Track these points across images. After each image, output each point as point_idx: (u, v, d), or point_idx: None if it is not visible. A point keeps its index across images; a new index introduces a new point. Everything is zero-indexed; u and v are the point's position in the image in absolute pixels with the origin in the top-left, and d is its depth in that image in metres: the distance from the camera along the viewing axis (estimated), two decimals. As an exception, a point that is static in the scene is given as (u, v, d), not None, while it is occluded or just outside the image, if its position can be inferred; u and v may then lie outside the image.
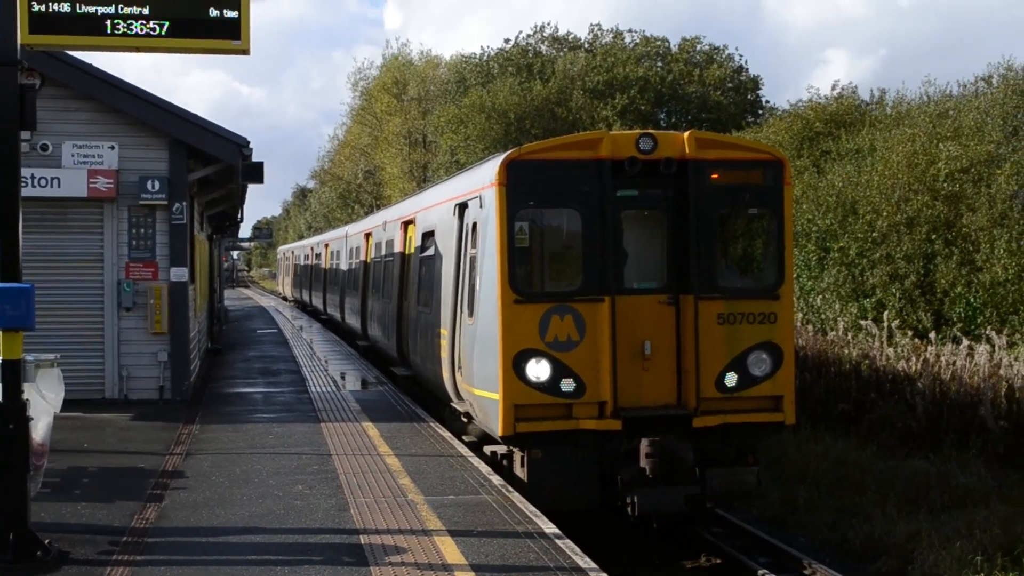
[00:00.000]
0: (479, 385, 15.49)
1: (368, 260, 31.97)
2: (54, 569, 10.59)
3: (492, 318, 14.84)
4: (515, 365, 14.60)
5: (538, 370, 14.62)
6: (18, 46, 11.05)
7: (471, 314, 15.95)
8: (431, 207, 20.84)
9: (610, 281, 14.89)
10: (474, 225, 16.15)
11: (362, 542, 11.50)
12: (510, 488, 14.04)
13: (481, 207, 15.64)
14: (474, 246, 16.11)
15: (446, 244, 18.36)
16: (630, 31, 71.87)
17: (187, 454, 16.44)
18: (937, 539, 15.44)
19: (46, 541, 10.98)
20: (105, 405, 20.90)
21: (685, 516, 15.91)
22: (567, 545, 11.31)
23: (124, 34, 11.41)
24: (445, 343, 17.64)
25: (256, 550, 11.25)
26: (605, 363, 14.73)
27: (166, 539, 11.74)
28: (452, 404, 18.41)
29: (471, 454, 16.37)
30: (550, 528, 12.00)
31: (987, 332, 24.21)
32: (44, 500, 12.79)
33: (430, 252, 20.18)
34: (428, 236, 20.78)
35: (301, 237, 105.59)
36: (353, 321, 35.31)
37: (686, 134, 15.34)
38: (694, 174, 15.19)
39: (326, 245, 49.31)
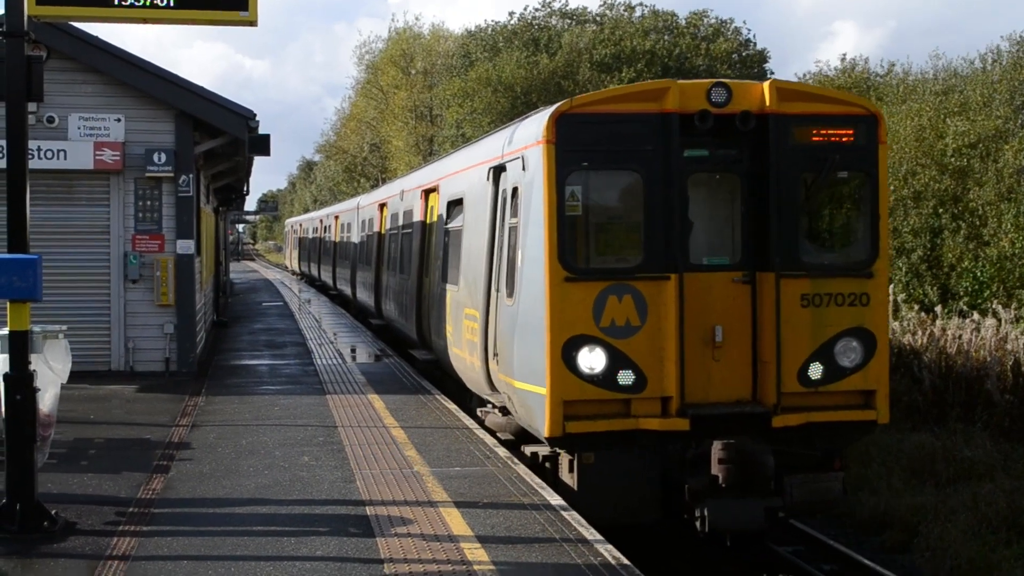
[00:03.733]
0: (520, 376, 13.58)
1: (383, 232, 29.92)
2: (61, 539, 10.64)
3: (537, 299, 13.02)
4: (565, 354, 12.72)
5: (592, 360, 12.77)
6: (25, 18, 11.04)
7: (510, 294, 14.07)
8: (458, 172, 18.79)
9: (677, 256, 12.95)
10: (514, 190, 14.26)
11: (368, 513, 11.54)
12: (515, 460, 14.05)
13: (524, 169, 13.69)
14: (514, 215, 14.25)
15: (477, 213, 16.46)
16: (640, 4, 71.68)
17: (193, 425, 16.49)
18: (942, 512, 15.49)
19: (53, 511, 11.03)
20: (111, 377, 20.96)
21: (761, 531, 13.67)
22: (573, 517, 11.34)
23: (131, 5, 11.40)
24: (476, 326, 15.66)
25: (262, 521, 11.29)
26: (670, 352, 12.86)
27: (172, 510, 11.78)
28: (484, 395, 16.37)
29: (476, 426, 16.38)
30: (555, 500, 12.03)
31: (993, 306, 24.25)
32: (51, 471, 12.83)
33: (457, 223, 18.32)
34: (455, 205, 18.91)
35: (307, 210, 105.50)
36: (365, 298, 33.38)
37: (766, 84, 13.42)
38: (776, 131, 13.23)
39: (336, 217, 47.14)
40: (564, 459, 13.45)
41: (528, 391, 13.34)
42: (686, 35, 68.08)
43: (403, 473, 13.36)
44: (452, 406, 18.15)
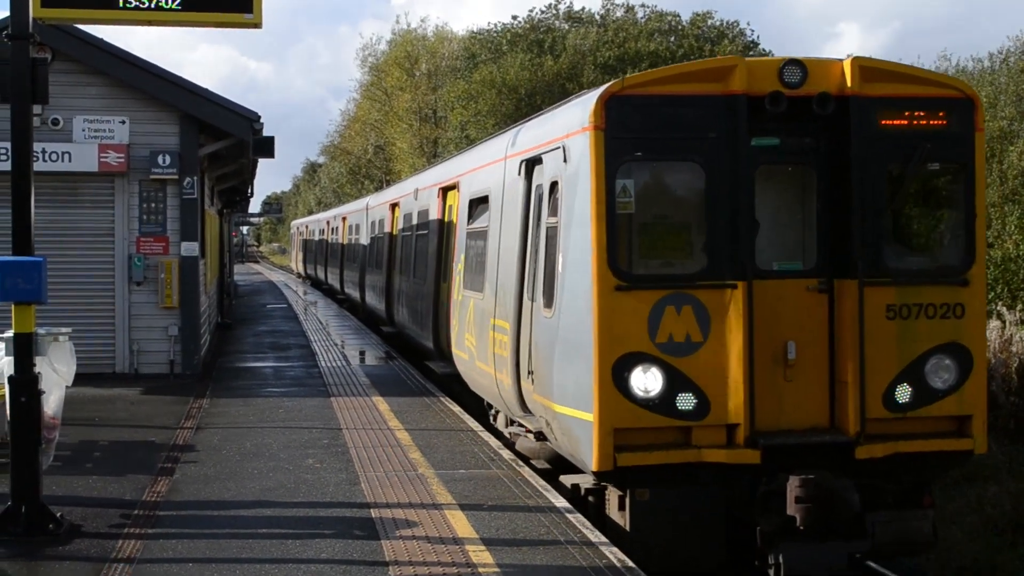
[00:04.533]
0: (562, 400, 11.90)
1: (395, 234, 28.23)
2: (66, 542, 10.64)
3: (583, 310, 11.35)
4: (615, 375, 11.07)
5: (647, 381, 11.13)
6: (30, 19, 11.04)
7: (548, 304, 12.44)
8: (482, 167, 17.06)
9: (744, 260, 11.26)
10: (552, 186, 12.68)
11: (373, 516, 11.53)
12: (520, 463, 14.02)
13: (565, 161, 11.99)
14: (553, 214, 12.61)
15: (506, 212, 14.90)
16: (642, 6, 71.69)
17: (197, 428, 16.48)
18: (947, 514, 15.45)
19: (58, 514, 11.03)
20: (116, 379, 20.96)
21: None
22: (578, 519, 11.33)
23: (136, 7, 11.40)
24: (506, 339, 14.09)
25: (267, 524, 11.29)
26: (737, 371, 11.17)
27: (177, 512, 11.78)
28: (514, 417, 14.96)
29: (481, 428, 16.37)
30: (560, 503, 12.01)
31: (998, 308, 24.18)
32: (56, 473, 12.83)
33: (481, 223, 16.63)
34: (478, 203, 17.18)
35: (311, 212, 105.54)
36: (375, 303, 31.64)
37: (847, 61, 11.64)
38: (858, 116, 11.53)
39: (344, 218, 45.33)
40: (613, 495, 11.78)
41: (571, 417, 11.69)
42: (690, 36, 68.05)
43: (408, 475, 13.34)
44: (457, 408, 18.13)
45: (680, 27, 69.61)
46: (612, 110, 11.26)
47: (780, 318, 11.51)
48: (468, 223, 17.69)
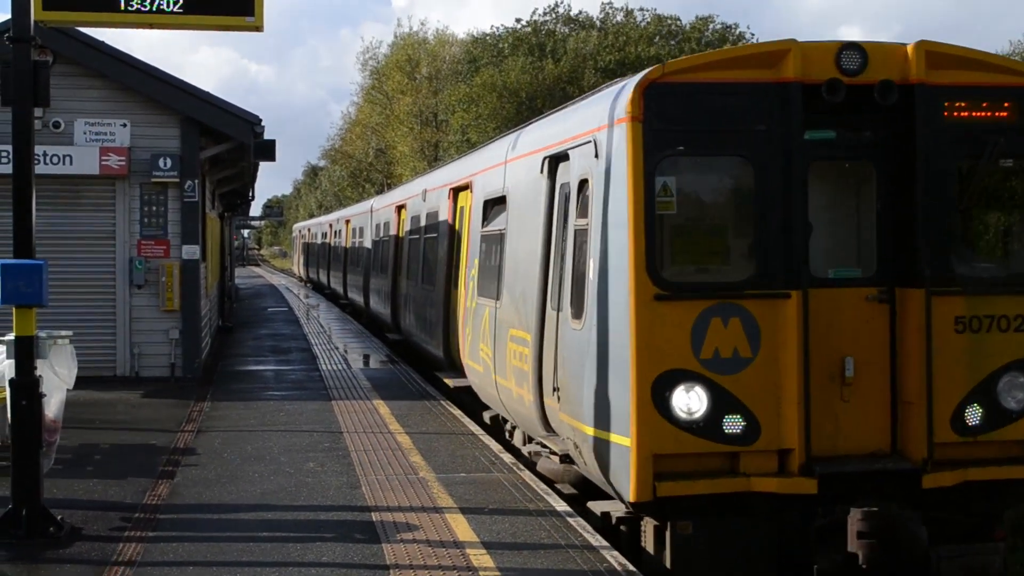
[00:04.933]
0: (593, 421, 10.85)
1: (401, 236, 27.05)
2: (67, 545, 10.63)
3: (617, 322, 10.36)
4: (655, 394, 10.04)
5: (690, 402, 10.11)
6: (32, 22, 11.04)
7: (577, 314, 11.35)
8: (499, 165, 15.90)
9: (798, 267, 10.24)
10: (581, 184, 11.57)
11: (374, 519, 11.52)
12: (521, 466, 14.01)
13: (596, 156, 10.94)
14: (582, 215, 11.52)
15: (526, 214, 13.79)
16: (642, 10, 71.71)
17: (198, 431, 16.48)
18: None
19: (59, 517, 11.02)
20: (116, 382, 20.95)
21: None
22: (578, 523, 11.31)
23: (137, 10, 11.41)
24: (527, 352, 12.99)
25: (268, 527, 11.28)
26: (791, 391, 10.15)
27: (178, 516, 11.77)
28: (535, 436, 13.72)
29: (481, 432, 16.35)
30: (561, 507, 12.00)
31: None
32: (57, 476, 12.82)
33: (497, 225, 15.62)
34: (494, 204, 16.17)
35: (312, 215, 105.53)
36: (380, 309, 30.67)
37: (911, 46, 10.60)
38: (925, 106, 10.47)
39: (347, 221, 44.31)
40: (649, 526, 10.75)
41: (605, 440, 10.63)
42: (691, 40, 68.06)
43: (408, 479, 13.33)
44: (457, 412, 18.12)
45: (681, 31, 69.62)
46: (651, 99, 10.20)
47: (836, 331, 10.48)
48: (483, 225, 16.61)
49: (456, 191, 19.64)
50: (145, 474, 13.62)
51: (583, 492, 12.65)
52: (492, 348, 15.11)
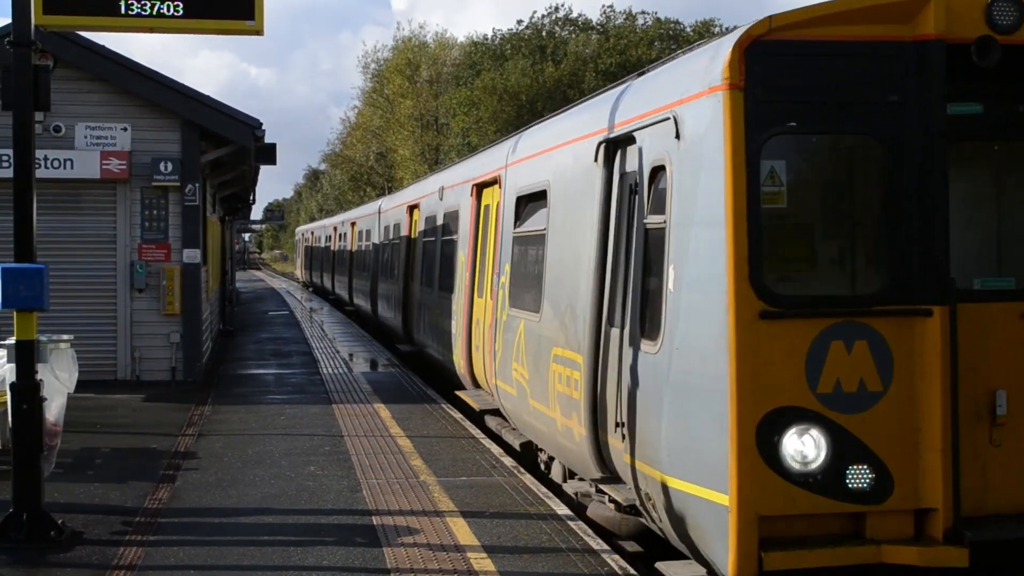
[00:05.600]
0: (672, 468, 8.87)
1: (413, 238, 25.30)
2: (67, 549, 10.62)
3: (710, 345, 8.35)
4: (762, 438, 8.05)
5: (805, 448, 8.12)
6: (32, 27, 11.05)
7: (650, 334, 9.39)
8: (535, 156, 14.01)
9: (942, 276, 8.25)
10: (654, 173, 9.61)
11: (375, 523, 11.51)
12: (521, 470, 13.99)
13: (677, 137, 8.98)
14: (656, 210, 9.47)
15: (575, 211, 11.78)
16: (643, 13, 71.83)
17: (199, 435, 16.48)
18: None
19: (59, 521, 11.01)
20: (117, 386, 20.95)
21: None
22: (579, 527, 11.30)
23: (138, 14, 11.42)
24: (577, 376, 11.13)
25: (269, 531, 11.27)
26: (932, 434, 8.19)
27: (179, 519, 11.76)
28: (587, 476, 11.63)
29: (483, 435, 16.34)
30: (562, 510, 11.99)
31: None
32: (57, 480, 12.82)
33: (535, 225, 13.67)
34: (530, 201, 14.24)
35: (313, 219, 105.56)
36: (390, 317, 28.98)
37: None
38: None
39: (353, 223, 42.72)
40: None
41: (691, 495, 8.62)
42: (693, 43, 68.19)
43: (409, 482, 13.32)
44: (458, 415, 18.11)
45: (682, 33, 69.71)
46: (756, 61, 8.21)
47: (984, 357, 8.42)
48: (516, 225, 14.68)
49: (480, 187, 17.68)
50: (146, 478, 13.61)
51: (650, 548, 10.75)
52: (530, 369, 13.26)
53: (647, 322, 9.58)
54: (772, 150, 8.31)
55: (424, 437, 16.24)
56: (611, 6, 72.81)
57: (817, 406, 8.16)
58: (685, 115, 8.90)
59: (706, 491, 8.37)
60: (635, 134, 10.07)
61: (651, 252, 9.61)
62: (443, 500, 12.45)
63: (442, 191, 21.40)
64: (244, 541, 10.88)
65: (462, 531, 11.15)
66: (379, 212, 33.79)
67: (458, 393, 18.36)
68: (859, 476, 8.21)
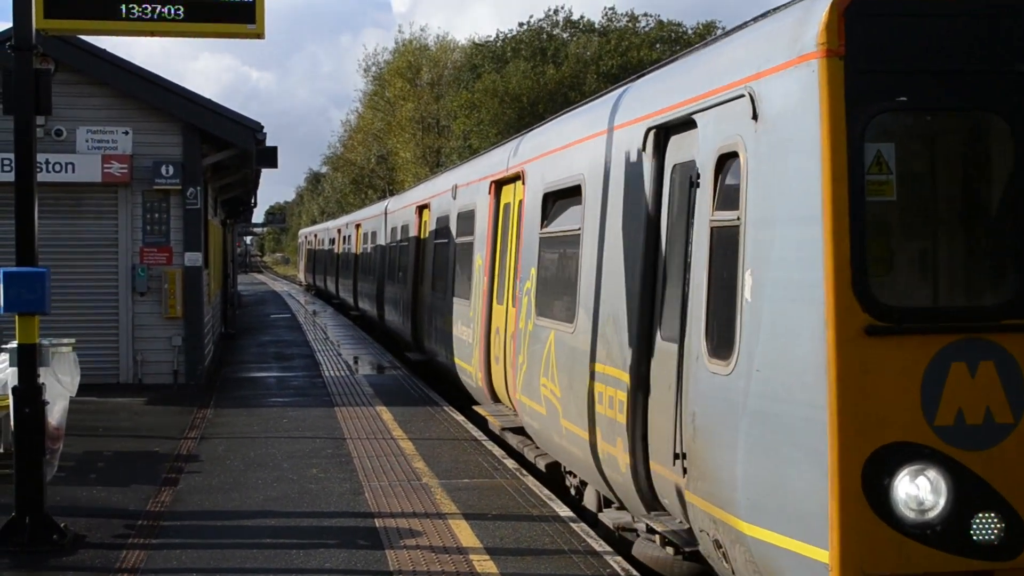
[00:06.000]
0: (751, 513, 7.49)
1: (424, 240, 24.10)
2: (70, 552, 10.62)
3: (802, 366, 7.01)
4: (868, 481, 6.75)
5: (921, 492, 6.79)
6: (33, 31, 11.06)
7: (721, 351, 8.00)
8: (567, 148, 12.73)
9: None
10: (722, 161, 8.27)
11: (377, 525, 11.51)
12: (524, 471, 13.99)
13: (754, 117, 7.65)
14: (726, 205, 8.15)
15: (616, 208, 10.58)
16: (645, 15, 71.89)
17: (202, 438, 16.48)
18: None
19: (62, 524, 11.01)
20: (120, 389, 20.95)
21: None
22: (582, 528, 11.30)
23: (139, 18, 11.43)
24: (622, 397, 9.87)
25: (271, 533, 11.27)
26: None
27: (181, 523, 11.76)
28: (634, 508, 10.29)
29: (485, 437, 16.33)
30: (564, 512, 11.99)
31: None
32: (60, 484, 12.82)
33: (567, 225, 12.51)
34: (560, 198, 13.10)
35: (315, 221, 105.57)
36: (397, 322, 27.78)
37: None
38: None
39: (357, 225, 41.50)
40: None
41: (778, 548, 7.23)
42: (694, 44, 68.20)
43: (412, 485, 13.32)
44: (460, 418, 18.11)
45: (684, 36, 69.73)
46: (858, 23, 6.91)
47: None
48: (543, 225, 13.49)
49: (499, 184, 16.46)
50: (148, 481, 13.61)
51: None
52: (561, 385, 12.06)
53: (714, 337, 8.18)
54: (878, 130, 7.00)
55: (426, 439, 16.24)
56: (612, 8, 72.74)
57: (935, 442, 6.79)
58: (765, 91, 7.58)
59: (798, 544, 7.01)
60: (695, 117, 8.77)
61: (718, 255, 8.25)
62: (445, 502, 12.45)
63: (455, 189, 20.24)
64: (247, 544, 10.88)
65: (464, 533, 11.15)
66: (385, 213, 32.66)
67: (476, 408, 17.24)
68: (986, 527, 6.81)
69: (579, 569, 9.99)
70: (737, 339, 7.70)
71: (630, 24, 70.89)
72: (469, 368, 17.80)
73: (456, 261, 19.55)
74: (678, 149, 9.33)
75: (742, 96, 7.84)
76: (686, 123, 9.06)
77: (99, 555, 10.54)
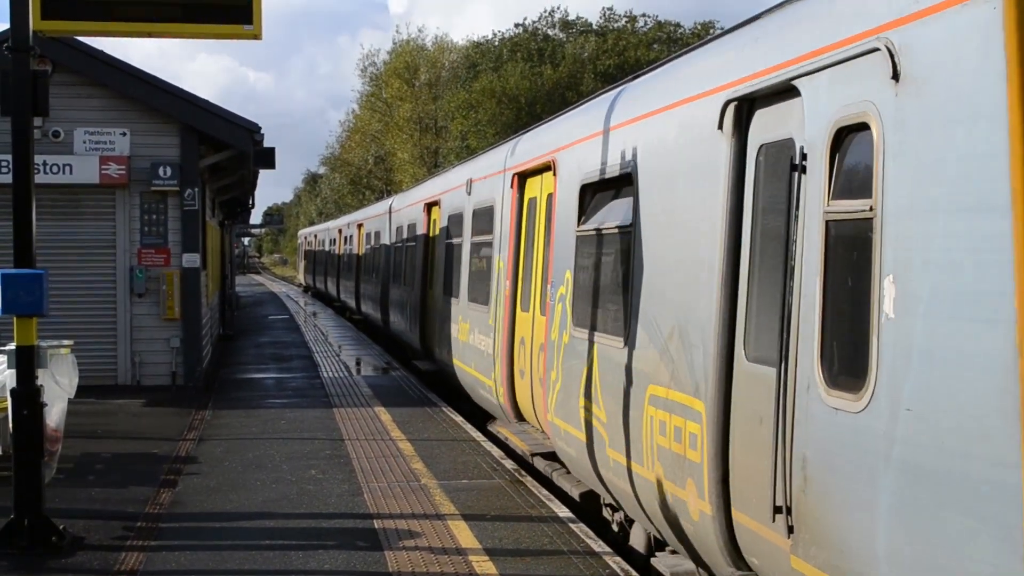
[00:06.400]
0: None
1: (433, 239, 22.50)
2: (69, 554, 10.61)
3: (979, 410, 5.25)
4: None
5: None
6: (30, 32, 11.05)
7: (855, 384, 6.31)
8: (614, 129, 10.74)
9: None
10: (837, 138, 6.68)
11: (376, 526, 11.50)
12: (523, 472, 13.99)
13: (895, 78, 6.02)
14: (851, 192, 6.57)
15: (683, 200, 8.81)
16: (644, 16, 71.97)
17: (200, 439, 16.47)
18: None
19: (61, 526, 11.00)
20: (118, 391, 20.94)
21: None
22: (581, 529, 11.29)
23: (137, 19, 11.42)
24: (698, 431, 8.19)
25: (270, 535, 11.26)
26: None
27: (180, 524, 11.75)
28: (715, 565, 8.50)
29: (483, 438, 16.32)
30: (563, 512, 11.98)
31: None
32: (58, 486, 12.82)
33: (613, 220, 10.66)
34: (602, 190, 11.36)
35: (312, 222, 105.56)
36: (403, 328, 26.10)
37: None
38: None
39: (359, 225, 39.97)
40: None
41: None
42: (690, 44, 68.24)
43: (411, 486, 13.32)
44: (459, 418, 18.10)
45: (681, 36, 69.81)
46: None
47: None
48: (581, 221, 11.89)
49: (523, 176, 14.98)
50: (147, 483, 13.60)
51: None
52: (607, 409, 10.43)
53: (833, 363, 6.62)
54: None
55: (425, 440, 16.23)
56: (611, 8, 72.82)
57: None
58: (912, 41, 5.92)
59: None
60: (796, 83, 7.11)
61: (839, 256, 6.66)
62: (444, 503, 12.45)
63: (470, 184, 18.51)
64: (246, 545, 10.87)
65: (463, 534, 11.15)
66: (390, 212, 31.12)
67: (498, 428, 15.60)
68: None
69: (578, 569, 9.99)
70: (872, 367, 6.05)
71: (628, 25, 70.96)
72: (487, 381, 16.09)
73: (471, 263, 18.07)
74: (767, 125, 7.67)
75: (874, 50, 6.17)
76: (779, 92, 7.43)
77: (98, 557, 10.53)
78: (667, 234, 9.15)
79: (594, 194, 11.67)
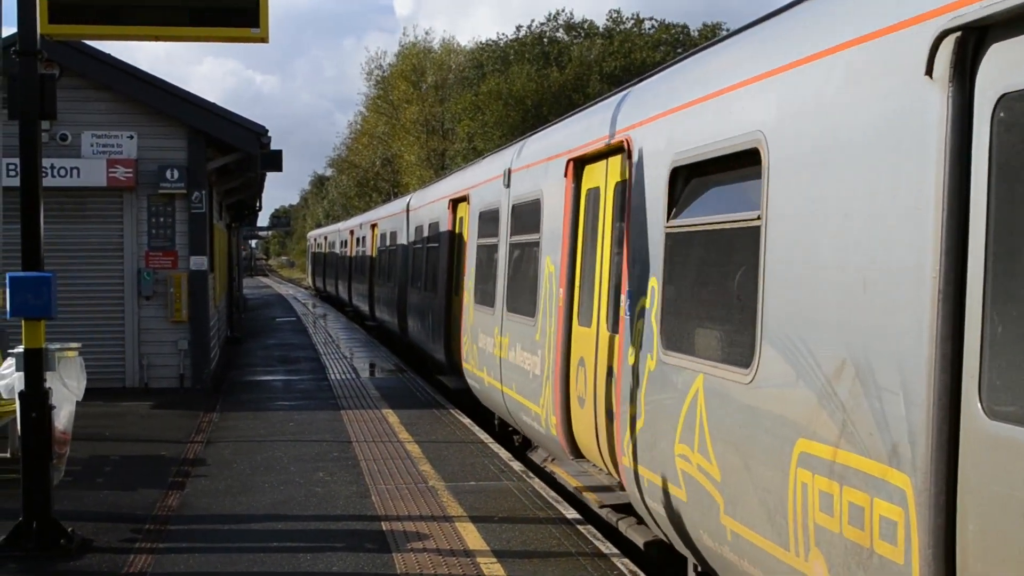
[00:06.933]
0: None
1: (462, 238, 20.03)
2: (77, 557, 10.62)
3: None
4: None
5: None
6: (38, 36, 11.06)
7: None
8: (727, 92, 8.13)
9: None
10: None
11: (384, 528, 11.50)
12: (530, 474, 13.99)
13: None
14: None
15: (857, 179, 6.08)
16: (651, 18, 72.05)
17: (208, 442, 16.48)
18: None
19: (69, 529, 11.00)
20: (126, 393, 20.97)
21: None
22: (589, 531, 11.29)
23: (144, 23, 11.43)
24: (892, 517, 5.56)
25: (278, 537, 11.27)
26: None
27: (188, 526, 11.76)
28: None
29: (491, 440, 16.32)
30: (571, 514, 11.98)
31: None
32: (67, 488, 12.82)
33: (727, 213, 8.07)
34: (704, 174, 8.69)
35: (319, 224, 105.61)
36: (425, 340, 24.03)
37: None
38: None
39: (373, 225, 37.60)
40: None
41: None
42: (696, 47, 68.20)
43: (418, 488, 13.32)
44: (467, 420, 18.10)
45: (688, 38, 69.78)
46: None
47: None
48: (671, 215, 9.19)
49: (580, 163, 12.52)
50: (155, 485, 13.62)
51: None
52: (720, 463, 7.82)
53: None
54: None
55: (432, 442, 16.24)
56: (618, 10, 72.84)
57: None
58: None
59: None
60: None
61: None
62: (452, 505, 12.45)
63: (508, 175, 15.91)
64: (254, 547, 10.88)
65: (471, 536, 11.15)
66: (407, 210, 28.61)
67: (552, 468, 13.19)
68: None
69: (587, 571, 9.98)
70: None
71: (635, 28, 70.97)
72: (534, 408, 13.86)
73: (511, 266, 15.60)
74: (1012, 65, 4.96)
75: None
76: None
77: (106, 559, 10.54)
78: (822, 228, 6.48)
79: (692, 179, 8.97)
